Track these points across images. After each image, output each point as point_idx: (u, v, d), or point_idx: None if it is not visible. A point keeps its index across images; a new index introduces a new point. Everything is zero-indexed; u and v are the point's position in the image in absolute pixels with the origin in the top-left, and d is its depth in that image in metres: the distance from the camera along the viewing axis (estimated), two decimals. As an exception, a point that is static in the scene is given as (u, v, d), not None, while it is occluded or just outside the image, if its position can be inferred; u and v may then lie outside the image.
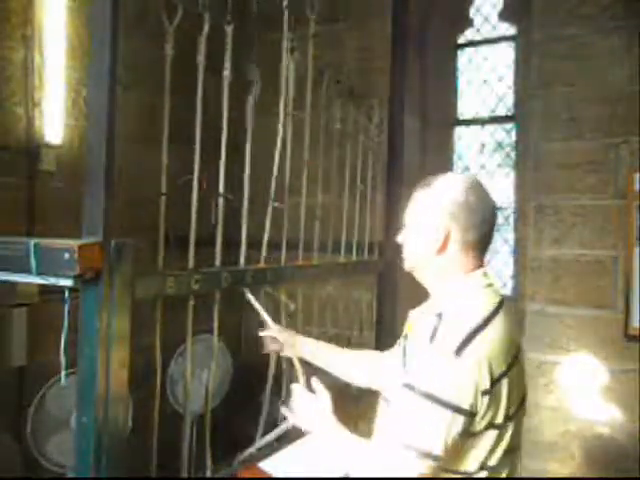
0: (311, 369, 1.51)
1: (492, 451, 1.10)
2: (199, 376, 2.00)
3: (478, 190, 1.18)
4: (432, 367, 1.07)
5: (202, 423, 1.70)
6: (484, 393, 1.04)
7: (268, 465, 1.65)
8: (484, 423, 1.07)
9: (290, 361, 1.53)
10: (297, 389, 1.36)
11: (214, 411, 1.72)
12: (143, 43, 2.41)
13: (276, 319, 1.75)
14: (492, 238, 1.22)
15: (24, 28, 2.42)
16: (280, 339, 1.62)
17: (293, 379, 1.46)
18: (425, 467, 1.05)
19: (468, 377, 1.03)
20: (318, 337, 1.76)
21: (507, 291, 3.11)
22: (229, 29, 1.58)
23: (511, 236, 3.16)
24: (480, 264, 1.20)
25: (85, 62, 2.44)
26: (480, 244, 1.19)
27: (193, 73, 1.53)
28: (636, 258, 2.46)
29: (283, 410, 1.37)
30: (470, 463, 1.09)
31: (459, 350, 1.04)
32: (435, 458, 1.04)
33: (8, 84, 2.41)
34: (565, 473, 2.58)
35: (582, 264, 2.59)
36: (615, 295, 2.52)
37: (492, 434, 1.08)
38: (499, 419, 1.08)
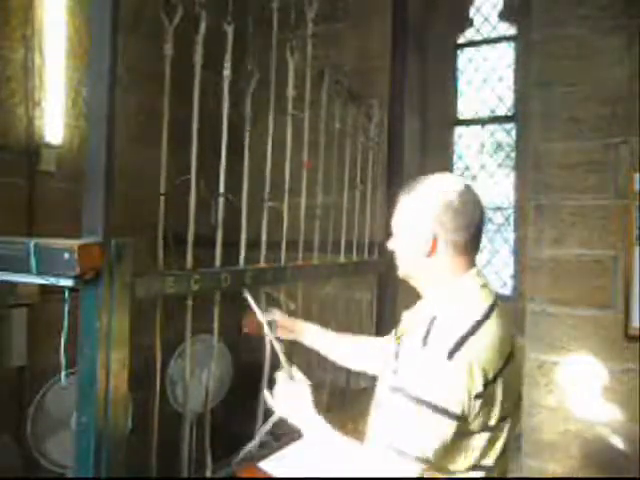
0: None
1: (487, 451, 1.10)
2: (199, 376, 2.00)
3: (463, 191, 1.17)
4: (424, 371, 1.07)
5: (202, 423, 1.70)
6: (477, 397, 1.04)
7: (268, 465, 1.65)
8: (478, 425, 1.06)
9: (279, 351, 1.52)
10: (281, 377, 1.36)
11: (214, 411, 1.72)
12: (143, 43, 2.41)
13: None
14: (481, 238, 1.22)
15: (24, 28, 2.42)
16: (279, 323, 1.60)
17: (279, 367, 1.44)
18: (417, 471, 1.05)
19: (460, 381, 1.03)
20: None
21: (507, 291, 3.11)
22: (229, 29, 1.58)
23: (511, 236, 3.16)
24: (472, 264, 1.20)
25: (85, 62, 2.45)
26: (470, 245, 1.18)
27: (193, 73, 1.53)
28: (636, 258, 2.46)
29: (267, 398, 1.37)
30: (465, 463, 1.09)
31: (451, 354, 1.04)
32: (427, 461, 1.04)
33: (8, 84, 2.41)
34: (565, 473, 2.57)
35: (582, 264, 2.59)
36: (615, 295, 2.51)
37: (486, 435, 1.08)
38: (493, 420, 1.08)
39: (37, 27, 2.44)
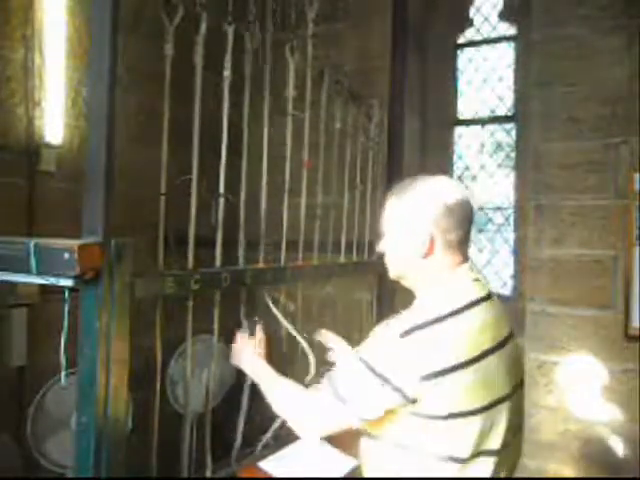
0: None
1: (459, 442, 1.08)
2: (199, 376, 2.00)
3: (455, 190, 1.20)
4: (377, 343, 1.14)
5: (202, 423, 1.70)
6: (424, 378, 1.05)
7: (268, 465, 1.65)
8: (437, 409, 1.06)
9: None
10: (239, 333, 1.58)
11: (214, 411, 1.72)
12: (143, 43, 2.41)
13: (276, 320, 1.76)
14: (471, 233, 1.24)
15: (24, 28, 2.42)
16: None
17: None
18: (346, 419, 1.14)
19: (404, 357, 1.07)
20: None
21: (507, 291, 3.11)
22: (230, 29, 1.58)
23: (511, 236, 3.16)
24: (465, 259, 1.21)
25: (85, 62, 2.45)
26: (462, 242, 1.20)
27: (193, 73, 1.53)
28: (636, 258, 2.46)
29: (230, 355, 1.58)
30: (436, 449, 1.08)
31: (405, 333, 1.08)
32: (358, 416, 1.13)
33: (8, 84, 2.41)
34: (565, 473, 2.58)
35: (582, 264, 2.59)
36: (615, 295, 2.51)
37: (453, 424, 1.07)
38: (455, 409, 1.06)
39: (37, 27, 2.44)
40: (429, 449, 1.09)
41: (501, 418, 1.12)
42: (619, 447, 2.47)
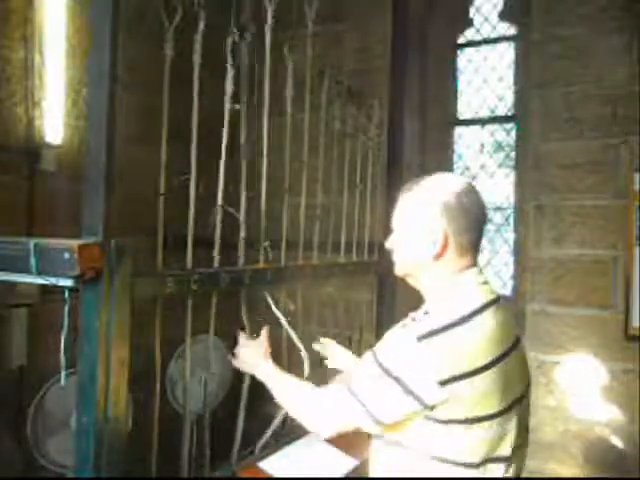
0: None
1: (473, 448, 1.07)
2: (199, 376, 1.99)
3: (469, 191, 1.17)
4: (394, 344, 1.11)
5: (202, 423, 1.70)
6: (442, 384, 1.02)
7: (268, 465, 1.65)
8: (451, 415, 1.05)
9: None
10: (241, 337, 1.55)
11: (214, 412, 1.72)
12: (143, 43, 2.41)
13: (274, 320, 1.75)
14: (482, 237, 1.21)
15: (24, 28, 2.42)
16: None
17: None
18: (362, 421, 1.12)
19: (423, 362, 1.04)
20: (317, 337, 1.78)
21: (507, 291, 3.10)
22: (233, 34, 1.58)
23: (511, 236, 3.16)
24: (474, 263, 1.19)
25: (85, 62, 2.45)
26: (474, 245, 1.18)
27: (192, 73, 1.53)
28: (636, 258, 2.46)
29: (229, 357, 1.56)
30: (449, 454, 1.07)
31: (422, 337, 1.05)
32: (374, 419, 1.10)
33: (8, 84, 2.40)
34: (565, 473, 2.58)
35: (582, 264, 2.59)
36: (615, 295, 2.52)
37: (469, 429, 1.05)
38: (469, 415, 1.05)
39: (37, 27, 2.44)
40: (443, 454, 1.07)
41: (514, 421, 1.12)
42: (619, 447, 2.47)
